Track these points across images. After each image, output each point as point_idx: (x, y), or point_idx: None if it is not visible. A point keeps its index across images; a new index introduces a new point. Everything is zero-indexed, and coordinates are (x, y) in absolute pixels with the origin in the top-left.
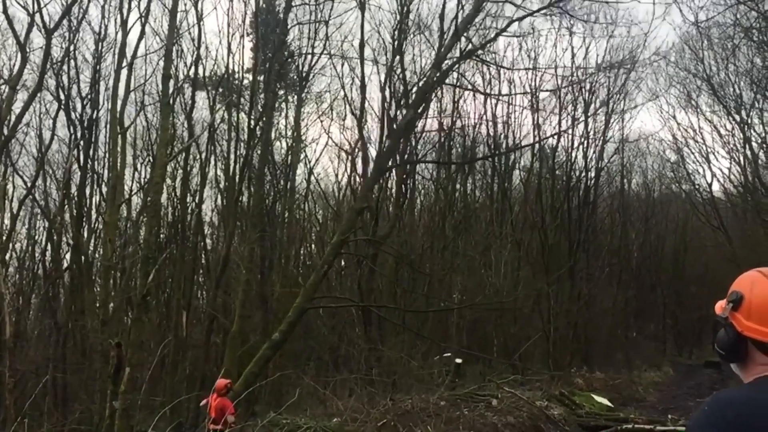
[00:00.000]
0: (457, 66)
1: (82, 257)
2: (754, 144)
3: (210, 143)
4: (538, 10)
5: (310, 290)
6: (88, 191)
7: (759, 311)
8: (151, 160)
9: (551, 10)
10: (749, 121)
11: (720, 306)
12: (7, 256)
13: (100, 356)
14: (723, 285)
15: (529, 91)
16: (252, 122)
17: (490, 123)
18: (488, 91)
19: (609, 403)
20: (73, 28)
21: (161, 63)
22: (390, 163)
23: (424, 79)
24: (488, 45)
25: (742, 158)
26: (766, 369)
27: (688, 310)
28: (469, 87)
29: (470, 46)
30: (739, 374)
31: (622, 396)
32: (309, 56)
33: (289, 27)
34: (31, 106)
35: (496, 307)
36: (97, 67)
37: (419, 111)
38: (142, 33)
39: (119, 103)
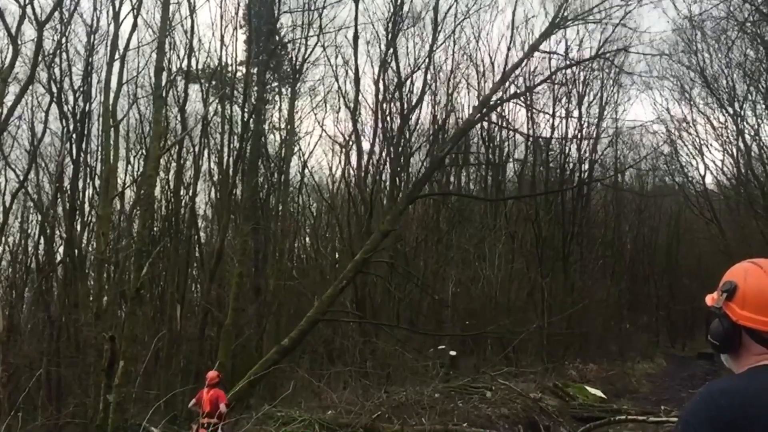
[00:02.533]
0: (500, 107)
1: (76, 251)
2: (747, 136)
3: (203, 136)
4: (585, 60)
5: (325, 303)
6: (81, 184)
7: (753, 300)
8: (144, 153)
9: (597, 61)
10: (742, 114)
11: (712, 298)
12: (0, 250)
13: (93, 350)
14: (716, 277)
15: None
16: (245, 115)
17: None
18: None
19: (602, 395)
20: (65, 20)
21: (154, 55)
22: (421, 192)
23: (466, 117)
24: (533, 90)
25: (735, 150)
26: (761, 359)
27: (681, 302)
28: (512, 128)
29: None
30: (731, 365)
31: (616, 388)
32: (302, 48)
33: (279, 14)
34: (22, 98)
35: (501, 334)
36: (90, 60)
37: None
38: (135, 25)
39: (112, 95)
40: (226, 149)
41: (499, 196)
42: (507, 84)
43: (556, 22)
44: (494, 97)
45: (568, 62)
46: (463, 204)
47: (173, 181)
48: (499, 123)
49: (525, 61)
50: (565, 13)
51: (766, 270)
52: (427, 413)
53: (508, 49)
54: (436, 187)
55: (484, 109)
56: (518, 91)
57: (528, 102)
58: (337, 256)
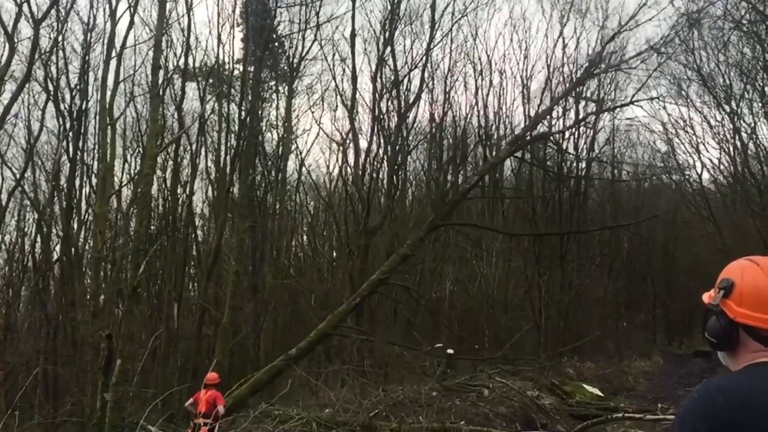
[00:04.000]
0: (529, 145)
1: (72, 249)
2: (743, 134)
3: (200, 134)
4: (618, 106)
5: (336, 318)
6: (77, 183)
7: (750, 297)
8: (141, 152)
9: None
10: (739, 112)
11: (709, 295)
12: None
13: (90, 348)
14: (713, 275)
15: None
16: (243, 113)
17: (482, 113)
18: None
19: (599, 393)
20: (62, 18)
21: (151, 53)
22: (445, 221)
23: (495, 151)
24: (563, 132)
25: (731, 149)
26: (758, 356)
27: (678, 300)
28: (542, 167)
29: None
30: (728, 363)
31: (613, 385)
32: (299, 46)
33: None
34: (19, 97)
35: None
36: (86, 58)
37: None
38: (131, 23)
39: (108, 93)
40: (223, 147)
41: (491, 187)
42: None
43: (592, 71)
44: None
45: (601, 107)
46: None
47: (170, 180)
48: (531, 162)
49: (557, 104)
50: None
51: (762, 267)
52: (424, 411)
53: (545, 91)
54: (433, 186)
55: (515, 147)
56: (547, 130)
57: (558, 142)
58: (334, 254)
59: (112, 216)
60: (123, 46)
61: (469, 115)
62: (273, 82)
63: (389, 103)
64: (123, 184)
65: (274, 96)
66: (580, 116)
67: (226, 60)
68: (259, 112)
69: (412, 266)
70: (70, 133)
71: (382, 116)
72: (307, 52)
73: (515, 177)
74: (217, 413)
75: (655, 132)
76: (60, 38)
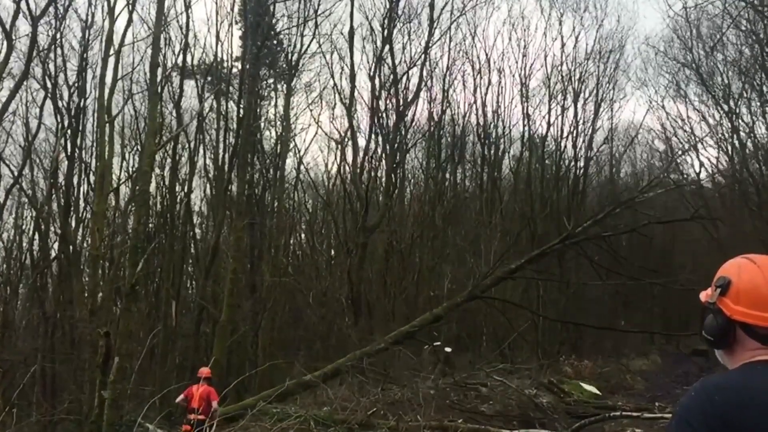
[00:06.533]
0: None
1: (70, 247)
2: (741, 134)
3: (199, 132)
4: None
5: (356, 356)
6: (75, 180)
7: (747, 295)
8: (140, 149)
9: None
10: (737, 111)
11: (706, 294)
12: None
13: (88, 346)
14: (711, 274)
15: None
16: (241, 111)
17: (480, 112)
18: (477, 80)
19: (597, 392)
20: (60, 15)
21: (149, 51)
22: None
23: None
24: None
25: (730, 148)
26: (755, 354)
27: (676, 299)
28: (589, 259)
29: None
30: (725, 361)
31: (611, 384)
32: (298, 44)
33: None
34: (17, 94)
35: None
36: (84, 55)
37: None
38: (130, 20)
39: (107, 91)
40: (221, 145)
41: (489, 186)
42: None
43: (643, 191)
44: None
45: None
46: (459, 201)
47: (168, 178)
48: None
49: (612, 211)
50: None
51: (759, 265)
52: (422, 410)
53: None
54: (432, 184)
55: (566, 241)
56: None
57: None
58: (332, 252)
59: (110, 214)
60: (121, 43)
61: (468, 114)
62: (271, 80)
63: (388, 102)
64: (121, 182)
65: (272, 94)
66: None
67: (225, 58)
68: (258, 110)
69: (411, 265)
70: (68, 131)
71: (380, 114)
72: (306, 50)
73: (513, 176)
74: (212, 409)
75: (654, 131)
76: (58, 35)
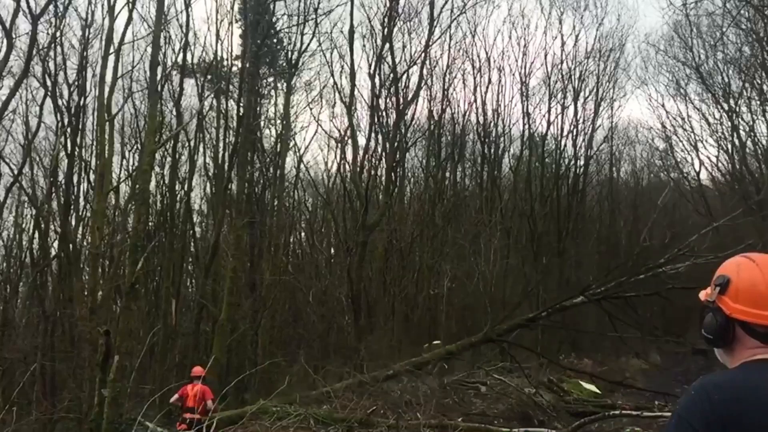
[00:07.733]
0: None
1: (70, 245)
2: (741, 132)
3: (199, 131)
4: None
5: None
6: (75, 179)
7: (746, 293)
8: (140, 148)
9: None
10: (737, 110)
11: (705, 292)
12: None
13: (88, 344)
14: (710, 272)
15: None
16: (241, 109)
17: (480, 111)
18: (477, 79)
19: (597, 390)
20: (60, 14)
21: (149, 49)
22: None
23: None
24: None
25: (730, 146)
26: (755, 352)
27: (676, 298)
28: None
29: None
30: (724, 360)
31: (610, 383)
32: (298, 42)
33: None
34: (17, 92)
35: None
36: (84, 54)
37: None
38: (130, 19)
39: (107, 89)
40: (221, 144)
41: (489, 184)
42: None
43: (668, 262)
44: None
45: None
46: (459, 199)
47: (168, 176)
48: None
49: (635, 275)
50: None
51: (758, 264)
52: (422, 408)
53: None
54: (431, 183)
55: (586, 294)
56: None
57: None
58: (332, 251)
59: (110, 212)
60: (121, 42)
61: (468, 112)
62: (271, 79)
63: (388, 100)
64: (121, 181)
65: (272, 92)
66: None
67: (225, 56)
68: (258, 108)
69: (410, 264)
70: (68, 129)
71: (380, 113)
72: (306, 48)
73: (513, 175)
74: (205, 409)
75: (654, 129)
76: (58, 34)
